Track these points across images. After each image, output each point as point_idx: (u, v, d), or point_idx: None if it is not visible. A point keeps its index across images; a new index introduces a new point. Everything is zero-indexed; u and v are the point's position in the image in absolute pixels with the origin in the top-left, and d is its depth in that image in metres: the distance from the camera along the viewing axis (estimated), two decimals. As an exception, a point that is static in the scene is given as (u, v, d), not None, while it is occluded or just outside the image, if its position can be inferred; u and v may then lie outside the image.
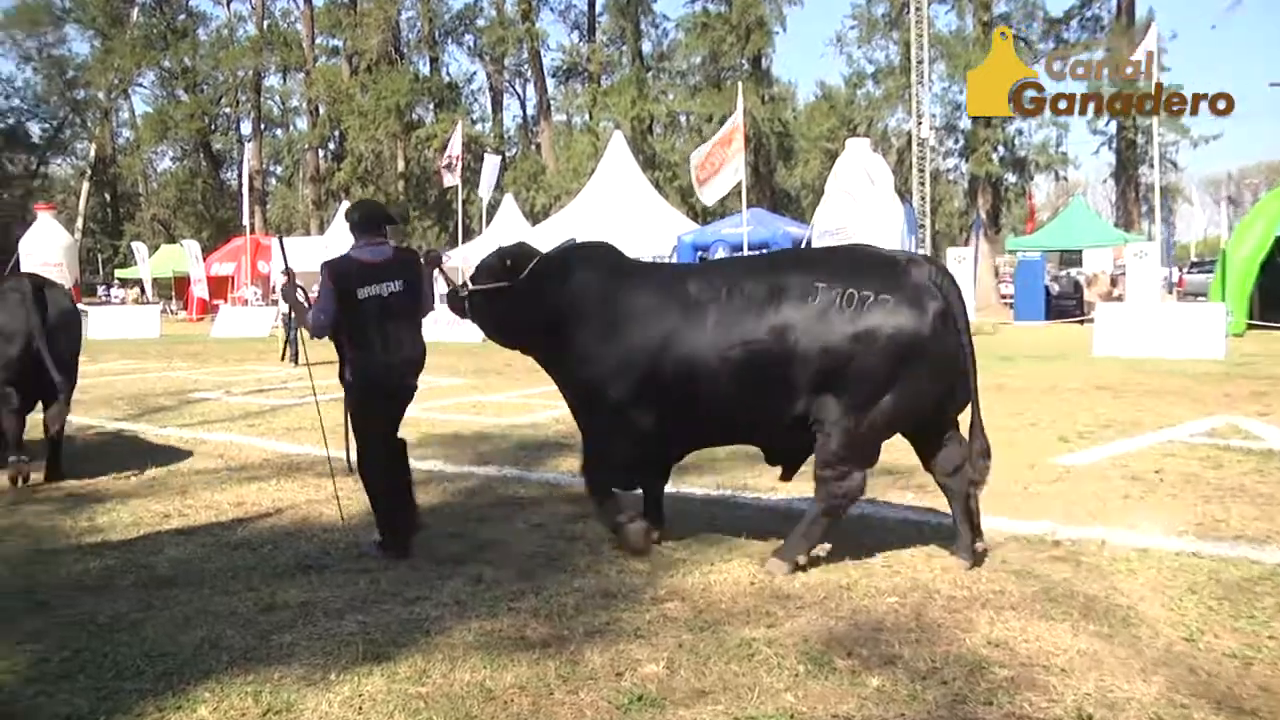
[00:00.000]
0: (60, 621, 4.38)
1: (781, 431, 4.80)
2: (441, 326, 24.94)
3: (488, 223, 33.76)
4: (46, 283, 7.66)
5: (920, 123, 28.48)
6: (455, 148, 30.23)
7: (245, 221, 36.27)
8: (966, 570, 4.86)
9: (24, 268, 41.42)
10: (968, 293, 27.59)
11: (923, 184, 28.21)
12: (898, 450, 5.34)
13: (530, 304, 5.16)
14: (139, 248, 44.16)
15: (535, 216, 45.06)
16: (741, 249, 23.17)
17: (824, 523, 4.84)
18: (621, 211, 31.12)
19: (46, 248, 43.89)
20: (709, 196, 22.59)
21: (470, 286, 5.38)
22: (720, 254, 27.88)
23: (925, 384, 4.62)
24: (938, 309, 4.58)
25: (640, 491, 5.36)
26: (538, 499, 6.56)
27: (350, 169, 54.02)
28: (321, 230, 49.50)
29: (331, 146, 58.38)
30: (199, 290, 39.41)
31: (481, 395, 12.54)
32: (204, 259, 40.29)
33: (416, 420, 10.12)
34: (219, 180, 64.15)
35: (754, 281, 4.79)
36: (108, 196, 68.41)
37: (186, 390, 13.61)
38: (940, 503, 5.43)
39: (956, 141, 41.70)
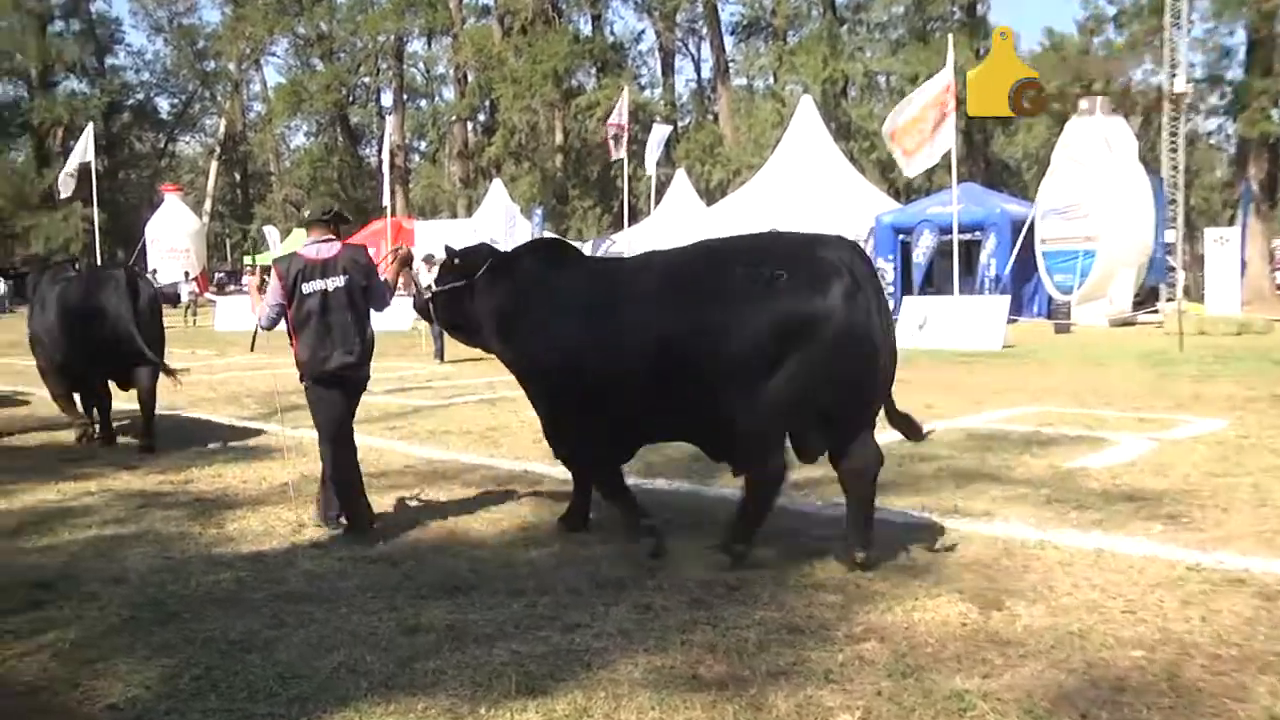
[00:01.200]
0: (190, 636, 4.64)
1: (709, 425, 5.45)
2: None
3: (656, 202, 34.16)
4: (138, 273, 9.72)
5: (1175, 75, 26.79)
6: (620, 117, 30.70)
7: (385, 203, 37.90)
8: (1211, 618, 4.66)
9: (150, 254, 45.05)
10: (1232, 281, 25.87)
11: (1175, 150, 26.58)
12: (1141, 473, 5.05)
13: (483, 301, 6.25)
14: (270, 232, 46.82)
15: (710, 194, 45.26)
16: (950, 231, 22.51)
17: (754, 513, 5.50)
18: (810, 188, 30.82)
19: (173, 232, 47.28)
20: (913, 169, 22.06)
21: (432, 289, 6.54)
22: (925, 237, 27.16)
23: (828, 366, 5.15)
24: (843, 290, 5.16)
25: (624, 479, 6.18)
26: (714, 518, 6.55)
27: (502, 142, 55.71)
28: (469, 212, 51.14)
29: (481, 118, 60.43)
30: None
31: None
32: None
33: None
34: (357, 157, 67.38)
35: (673, 272, 5.59)
36: (237, 176, 73.13)
37: (440, 385, 14.30)
38: (1196, 537, 5.10)
39: (1222, 97, 39.13)
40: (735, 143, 50.24)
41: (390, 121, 44.36)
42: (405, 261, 6.92)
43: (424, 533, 6.36)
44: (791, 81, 48.52)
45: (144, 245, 44.43)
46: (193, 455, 9.21)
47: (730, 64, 54.48)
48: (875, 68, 48.61)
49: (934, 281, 27.30)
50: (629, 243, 31.74)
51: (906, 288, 26.78)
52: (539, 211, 37.26)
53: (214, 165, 66.95)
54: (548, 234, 38.13)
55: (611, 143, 31.42)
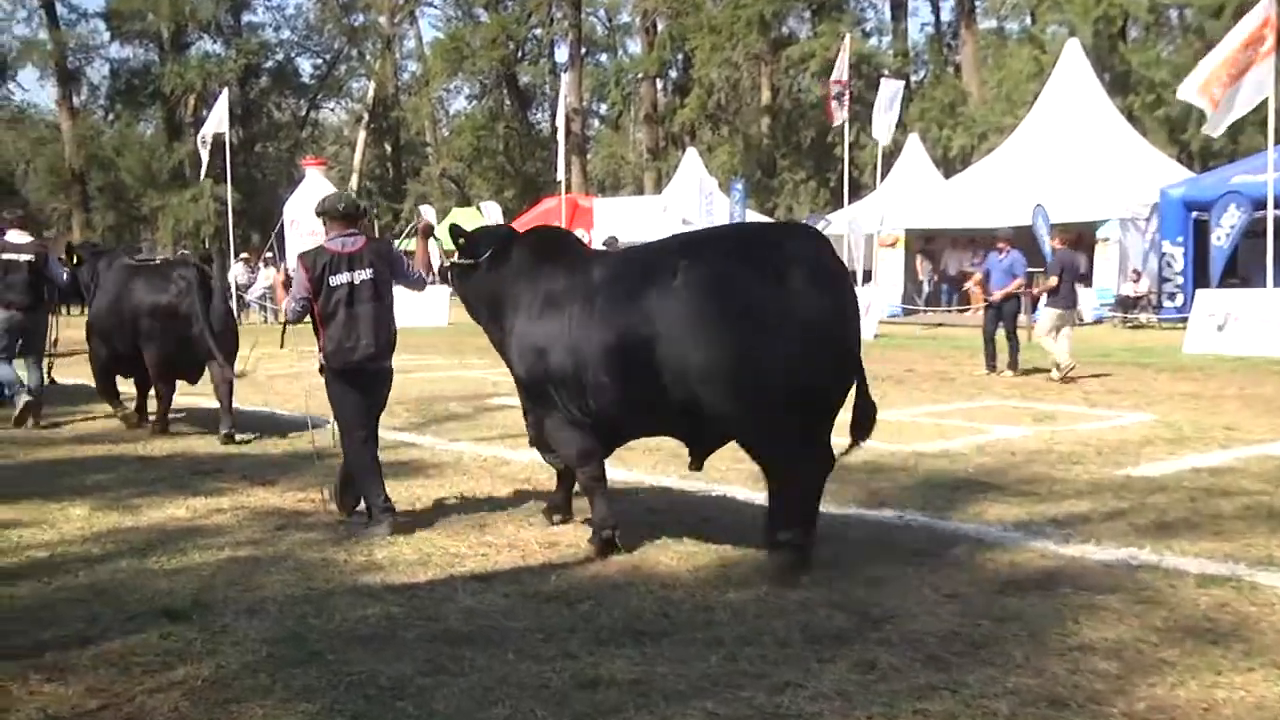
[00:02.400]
0: (334, 679, 4.84)
1: (678, 417, 6.44)
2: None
3: (883, 174, 33.69)
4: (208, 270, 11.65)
5: None
6: (841, 71, 30.47)
7: (560, 176, 38.67)
8: None
9: (289, 236, 47.12)
10: None
11: None
12: None
13: (483, 285, 7.45)
14: (426, 212, 48.33)
15: (950, 164, 44.44)
16: (1264, 206, 21.38)
17: (790, 503, 6.24)
18: (1076, 155, 29.88)
19: (314, 212, 49.41)
20: (1217, 125, 21.03)
21: (449, 261, 7.68)
22: (1230, 214, 25.90)
23: (787, 354, 5.94)
24: (799, 279, 5.99)
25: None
26: (954, 559, 6.50)
27: (698, 104, 56.14)
28: (658, 187, 51.71)
29: (673, 75, 61.04)
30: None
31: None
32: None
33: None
34: (526, 124, 69.02)
35: (640, 264, 6.61)
36: (388, 148, 75.90)
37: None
38: None
39: None
40: (982, 100, 49.14)
41: (566, 81, 45.39)
42: (427, 234, 8.12)
43: (604, 567, 6.47)
44: (1054, 22, 47.04)
45: (282, 227, 46.47)
46: (336, 471, 9.60)
47: (976, 3, 53.21)
48: (1164, 0, 46.58)
49: (1239, 271, 26.06)
50: (849, 223, 31.50)
51: (1201, 279, 25.64)
52: (740, 186, 37.34)
53: (361, 135, 69.57)
54: (750, 213, 38.19)
55: (831, 103, 31.19)
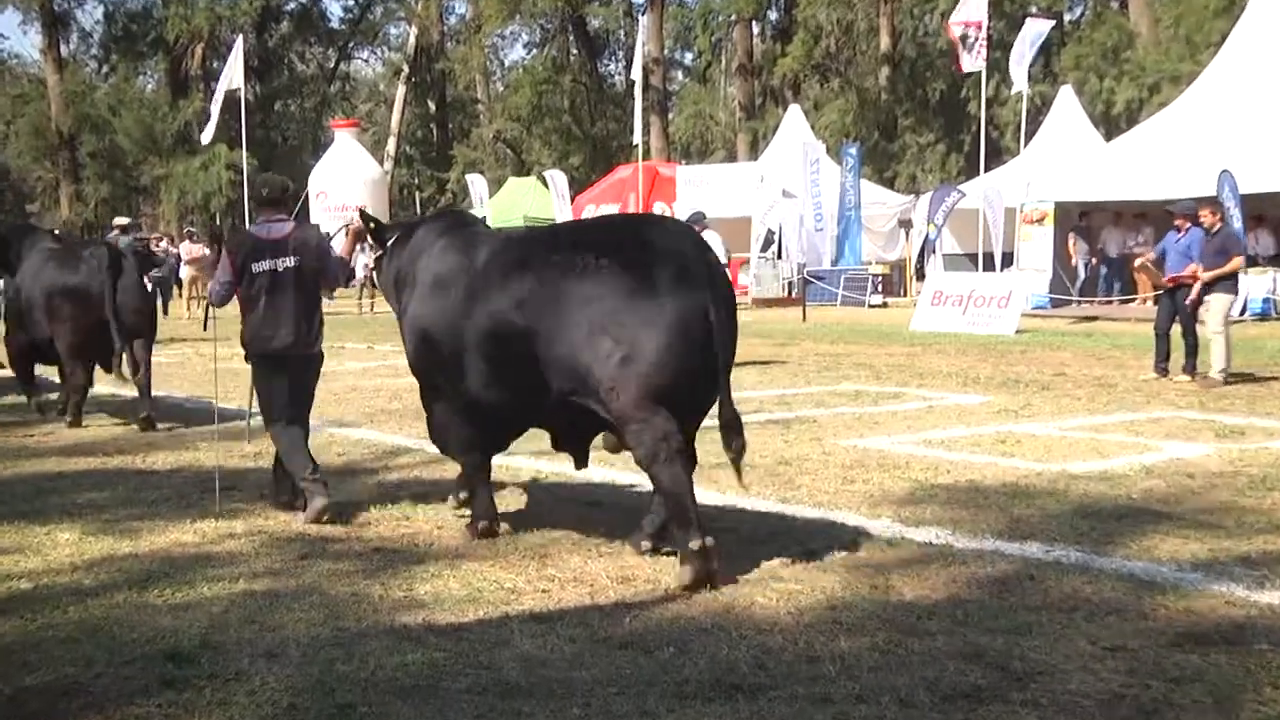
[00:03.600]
0: (368, 736, 4.90)
1: (552, 409, 7.47)
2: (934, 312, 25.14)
3: (1027, 137, 33.39)
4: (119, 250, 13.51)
5: None
6: (975, 11, 30.22)
7: (637, 139, 38.80)
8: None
9: (315, 210, 47.57)
10: None
11: None
12: None
13: (389, 273, 8.68)
14: (476, 182, 48.64)
15: (1113, 122, 43.81)
16: None
17: (671, 495, 7.07)
18: (1273, 110, 29.21)
19: (345, 182, 49.61)
20: None
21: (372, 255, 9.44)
22: None
23: (662, 350, 6.89)
24: (667, 274, 6.95)
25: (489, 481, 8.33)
26: (1116, 604, 6.43)
27: (802, 50, 55.87)
28: (754, 152, 51.56)
29: (772, 17, 60.86)
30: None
31: (1015, 423, 12.64)
32: (572, 199, 43.31)
33: (909, 459, 10.31)
34: (597, 77, 69.15)
35: (517, 251, 7.66)
36: (432, 106, 76.34)
37: None
38: None
39: None
40: (1154, 43, 48.39)
41: (644, 25, 45.44)
42: (359, 235, 9.24)
43: (688, 607, 6.47)
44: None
45: (306, 200, 47.02)
46: (371, 489, 9.72)
47: (1147, -76, 52.48)
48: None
49: None
50: (985, 194, 31.22)
51: None
52: (853, 151, 37.21)
53: (400, 91, 70.09)
54: (865, 183, 38.00)
55: (961, 49, 30.97)
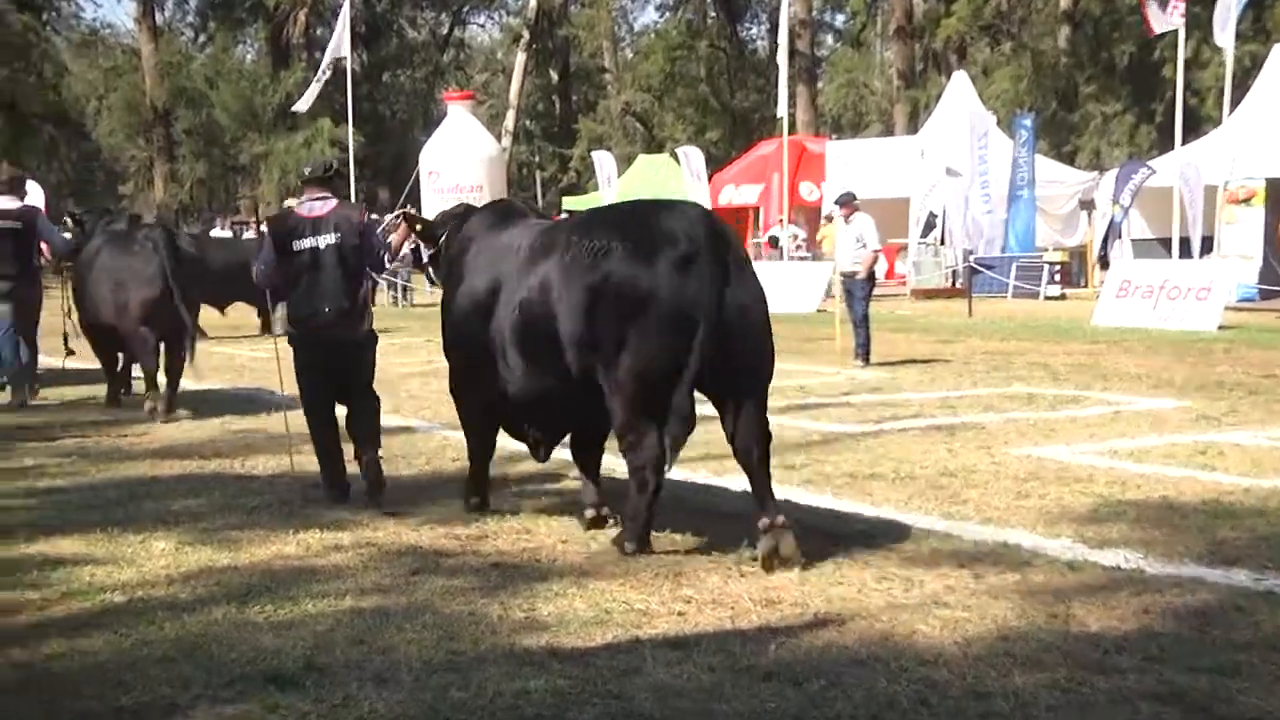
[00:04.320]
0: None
1: (580, 402, 8.22)
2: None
3: (1232, 104, 32.59)
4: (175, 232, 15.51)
5: None
6: (1165, -41, 29.61)
7: (782, 111, 38.58)
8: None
9: (426, 191, 48.00)
10: None
11: None
12: None
13: (443, 267, 9.61)
14: (603, 160, 48.74)
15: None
16: None
17: (638, 498, 7.99)
18: None
19: (460, 161, 49.82)
20: None
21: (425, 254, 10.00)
22: None
23: (662, 336, 7.62)
24: (675, 258, 7.63)
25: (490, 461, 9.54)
26: None
27: (969, 9, 55.16)
28: (914, 125, 51.02)
29: (933, -26, 60.21)
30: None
31: (1217, 432, 12.40)
32: (709, 178, 43.26)
33: (1092, 472, 10.17)
34: (737, 42, 69.02)
35: (544, 239, 8.49)
36: (554, 76, 76.69)
37: None
38: None
39: None
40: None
41: (789, -18, 45.07)
42: (411, 223, 10.08)
43: (841, 634, 6.44)
44: None
45: (417, 179, 47.40)
46: (490, 499, 9.80)
47: None
48: None
49: None
50: (1182, 170, 30.58)
51: None
52: (1028, 123, 36.71)
53: (520, 59, 70.28)
54: (1040, 159, 37.48)
55: (1152, 6, 30.40)
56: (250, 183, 68.79)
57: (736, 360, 7.78)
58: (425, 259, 10.13)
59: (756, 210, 43.08)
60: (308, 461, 10.40)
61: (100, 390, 15.96)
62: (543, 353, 8.22)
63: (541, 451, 9.35)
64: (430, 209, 47.44)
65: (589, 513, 8.93)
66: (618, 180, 46.49)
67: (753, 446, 7.85)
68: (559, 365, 8.12)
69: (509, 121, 67.31)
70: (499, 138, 60.28)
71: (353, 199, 44.84)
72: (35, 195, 17.72)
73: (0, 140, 62.54)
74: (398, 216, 10.44)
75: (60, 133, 67.67)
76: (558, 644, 6.38)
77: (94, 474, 11.13)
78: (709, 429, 12.44)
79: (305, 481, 10.30)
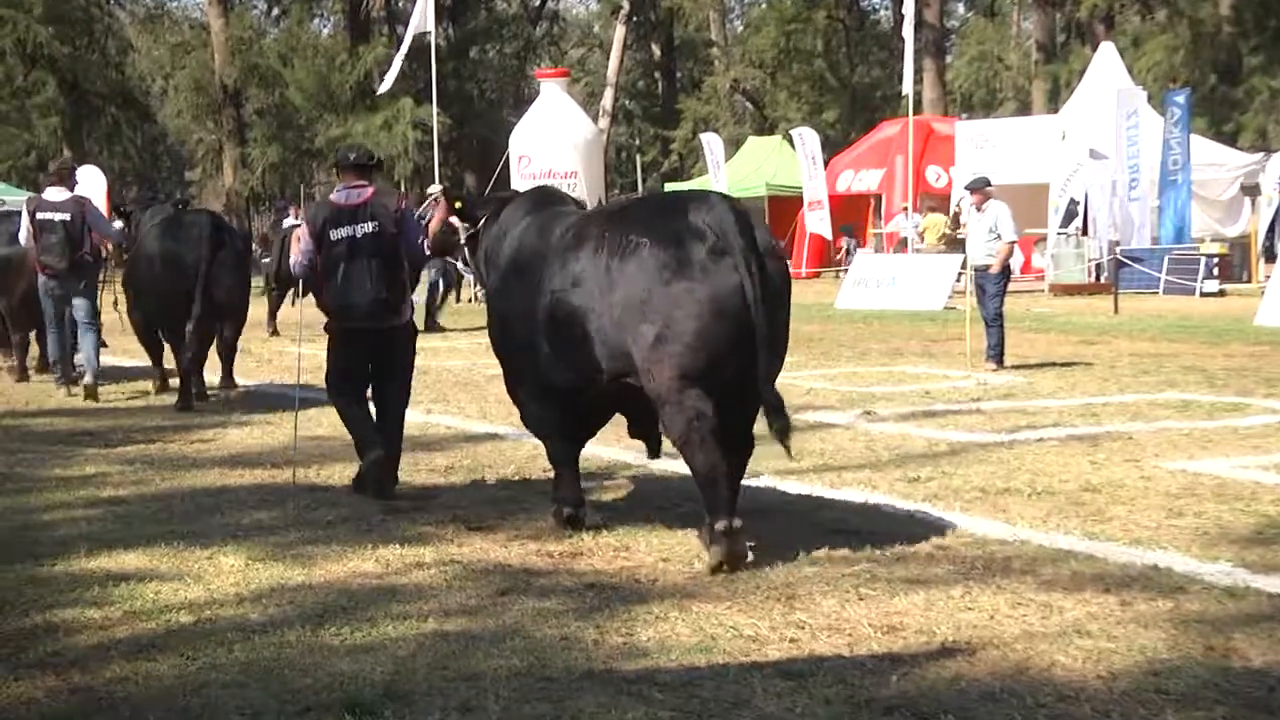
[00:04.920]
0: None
1: (613, 391, 8.79)
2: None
3: None
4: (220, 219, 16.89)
5: None
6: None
7: (907, 88, 38.50)
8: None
9: (515, 177, 48.09)
10: None
11: None
12: None
13: (481, 252, 10.14)
14: (709, 142, 48.71)
15: None
16: None
17: (702, 477, 8.26)
18: None
19: (553, 144, 49.76)
20: None
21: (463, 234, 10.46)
22: None
23: (700, 333, 8.09)
24: (702, 253, 8.12)
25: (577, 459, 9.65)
26: None
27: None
28: (1054, 102, 50.64)
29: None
30: (815, 220, 42.42)
31: None
32: (826, 162, 43.10)
33: (1255, 489, 10.08)
34: (858, 13, 68.75)
35: (579, 229, 8.97)
36: (656, 51, 76.75)
37: (793, 406, 14.73)
38: None
39: None
40: None
41: (915, -53, 44.89)
42: (451, 205, 10.61)
43: (969, 665, 6.41)
44: None
45: (506, 163, 47.54)
46: (584, 512, 9.84)
47: None
48: None
49: None
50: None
51: None
52: (1181, 99, 36.33)
53: (619, 33, 70.37)
54: (1197, 139, 37.03)
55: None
56: (326, 168, 69.23)
57: (771, 350, 8.24)
58: (462, 240, 10.52)
59: (878, 198, 42.95)
60: (313, 474, 10.83)
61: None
62: (575, 349, 8.73)
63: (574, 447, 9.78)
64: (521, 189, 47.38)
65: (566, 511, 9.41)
66: (725, 165, 46.45)
67: (742, 446, 8.61)
68: (591, 361, 8.66)
69: (607, 101, 67.44)
70: (596, 119, 60.32)
71: (436, 184, 45.35)
72: (96, 182, 18.89)
73: (61, 123, 63.66)
74: (433, 198, 11.07)
75: (124, 114, 68.73)
76: (658, 672, 6.38)
77: (159, 483, 11.30)
78: (825, 438, 12.51)
79: (303, 486, 10.97)
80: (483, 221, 10.17)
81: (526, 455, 11.93)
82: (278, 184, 69.10)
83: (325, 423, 12.94)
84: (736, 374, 8.21)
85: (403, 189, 60.01)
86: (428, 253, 11.04)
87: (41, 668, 6.48)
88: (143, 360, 17.92)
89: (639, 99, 76.57)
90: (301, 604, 7.58)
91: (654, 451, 9.63)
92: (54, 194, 16.23)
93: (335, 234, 10.27)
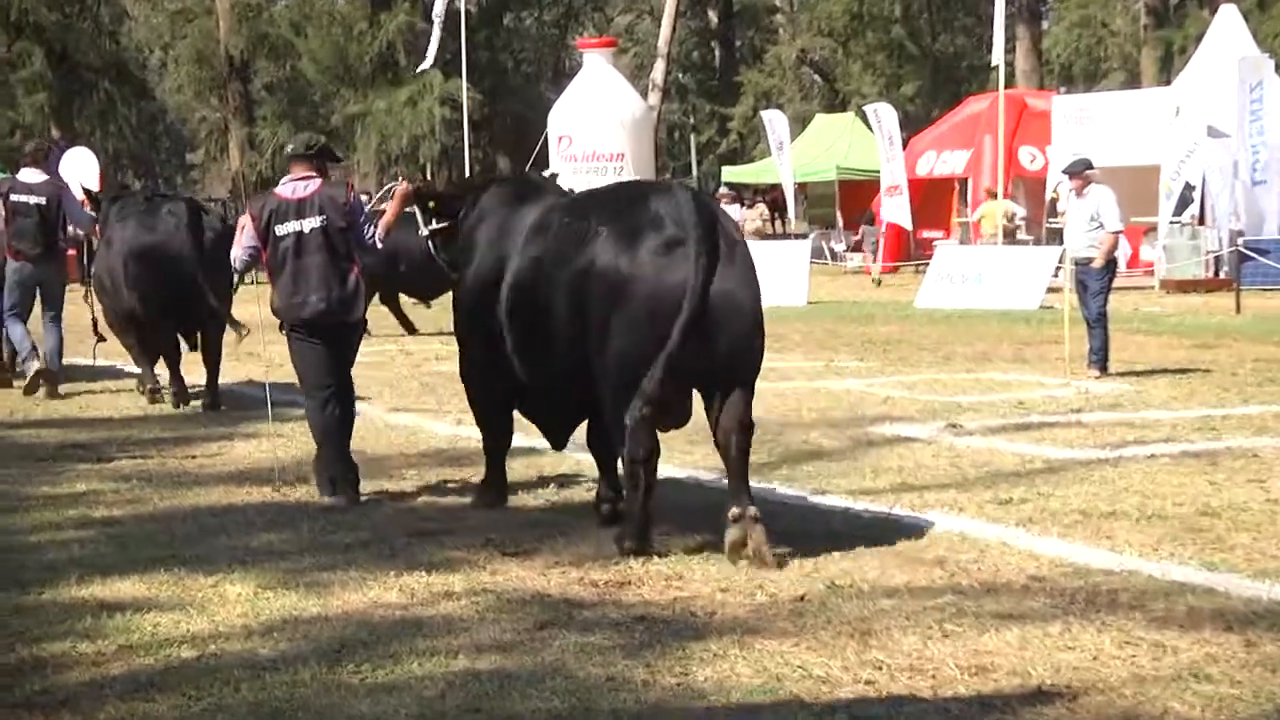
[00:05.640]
0: None
1: (582, 389, 9.66)
2: None
3: None
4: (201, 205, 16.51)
5: None
6: None
7: (996, 59, 38.31)
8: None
9: (555, 159, 48.08)
10: None
11: None
12: None
13: (459, 245, 10.98)
14: (773, 120, 48.49)
15: None
16: None
17: (631, 495, 9.41)
18: None
19: (597, 123, 49.58)
20: None
21: (427, 231, 11.34)
22: None
23: (644, 324, 8.94)
24: (657, 243, 9.03)
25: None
26: None
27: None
28: (1166, 73, 50.24)
29: None
30: (893, 208, 42.13)
31: None
32: (905, 141, 42.91)
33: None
34: (942, -26, 68.38)
35: (542, 218, 9.99)
36: (713, 17, 76.55)
37: (864, 419, 14.99)
38: None
39: None
40: None
41: (1008, -101, 44.78)
42: (405, 200, 11.43)
43: (1069, 712, 6.40)
44: None
45: (545, 145, 47.54)
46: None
47: None
48: None
49: None
50: None
51: None
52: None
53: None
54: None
55: None
56: (344, 150, 69.27)
57: (721, 348, 9.07)
58: (427, 233, 11.34)
59: (964, 181, 42.65)
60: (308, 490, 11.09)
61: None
62: (536, 336, 9.81)
63: (555, 439, 11.01)
64: (562, 182, 46.84)
65: (604, 508, 10.34)
66: (790, 145, 46.28)
67: (733, 436, 9.15)
68: (552, 349, 9.74)
69: (657, 74, 67.05)
70: (645, 94, 60.21)
71: (466, 168, 45.47)
72: (88, 165, 19.55)
73: (49, 99, 63.89)
74: (390, 189, 11.69)
75: (119, 90, 68.91)
76: (717, 715, 6.39)
77: (158, 502, 11.38)
78: (904, 454, 12.50)
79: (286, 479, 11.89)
80: (461, 214, 10.99)
81: (568, 471, 11.93)
82: (289, 167, 69.24)
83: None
84: (702, 363, 9.01)
85: (428, 173, 60.26)
86: (378, 245, 11.47)
87: (29, 708, 6.54)
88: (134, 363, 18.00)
89: (694, 72, 76.47)
90: (317, 638, 7.61)
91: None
92: (29, 175, 16.86)
93: (281, 229, 10.94)
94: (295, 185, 11.09)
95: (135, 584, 8.69)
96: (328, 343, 11.11)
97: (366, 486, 11.49)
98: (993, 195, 37.61)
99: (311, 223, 10.88)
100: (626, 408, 8.96)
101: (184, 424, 15.38)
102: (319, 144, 11.60)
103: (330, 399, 11.14)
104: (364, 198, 12.67)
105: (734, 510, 9.04)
